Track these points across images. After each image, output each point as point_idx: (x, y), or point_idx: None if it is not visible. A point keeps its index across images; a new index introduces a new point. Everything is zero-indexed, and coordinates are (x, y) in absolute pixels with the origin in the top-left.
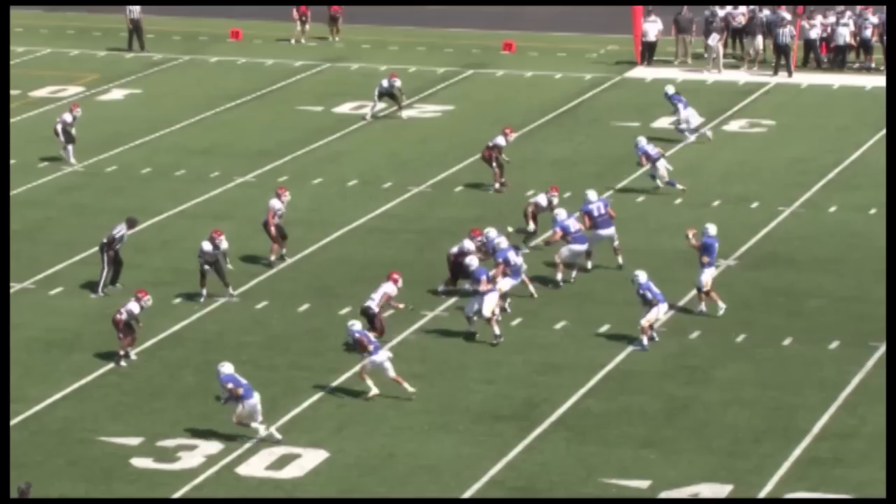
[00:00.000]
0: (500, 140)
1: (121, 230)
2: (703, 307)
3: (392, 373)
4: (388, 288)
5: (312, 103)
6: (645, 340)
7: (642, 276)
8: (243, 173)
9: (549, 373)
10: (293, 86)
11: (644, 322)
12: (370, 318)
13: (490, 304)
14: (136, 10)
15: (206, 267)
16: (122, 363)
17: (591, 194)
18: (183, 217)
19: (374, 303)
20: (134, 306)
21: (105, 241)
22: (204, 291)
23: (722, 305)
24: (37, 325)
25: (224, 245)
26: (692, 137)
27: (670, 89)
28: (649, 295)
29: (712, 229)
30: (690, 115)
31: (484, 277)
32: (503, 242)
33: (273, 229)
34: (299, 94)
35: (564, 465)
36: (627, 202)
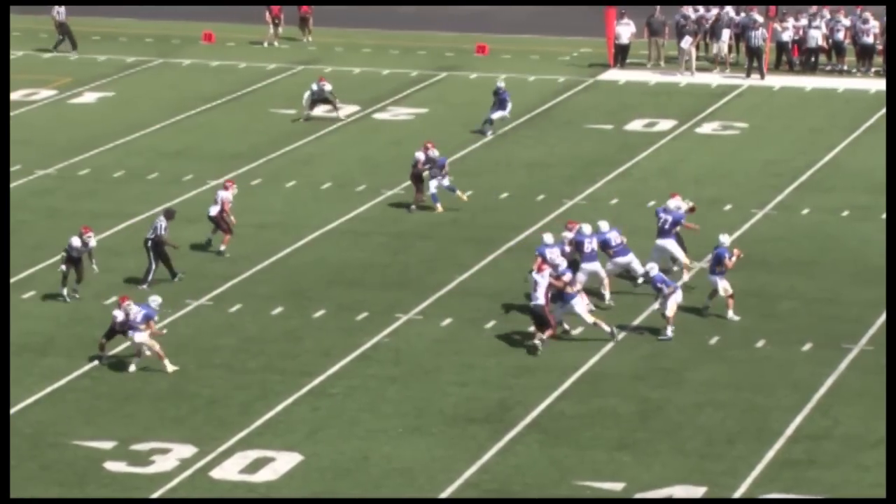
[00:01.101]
0: (419, 154)
1: (162, 224)
2: (732, 313)
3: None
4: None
5: (286, 106)
6: (669, 331)
7: (654, 269)
8: (216, 176)
9: (523, 375)
10: (266, 88)
11: (669, 313)
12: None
13: (582, 309)
14: (62, 12)
15: (64, 267)
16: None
17: (604, 224)
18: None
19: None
20: (118, 314)
21: (149, 237)
22: (65, 291)
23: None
24: (9, 329)
25: (92, 243)
26: (490, 135)
27: (501, 84)
28: (665, 288)
29: (725, 240)
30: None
31: (567, 276)
32: (549, 238)
33: (229, 220)
34: (272, 96)
35: (538, 467)
36: (600, 205)
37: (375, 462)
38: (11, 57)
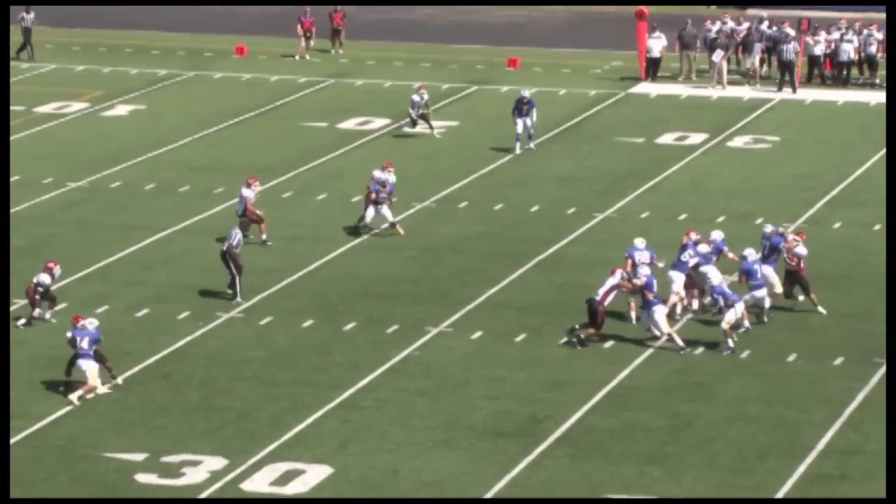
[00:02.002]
0: (378, 174)
1: (237, 235)
2: (768, 317)
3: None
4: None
5: (316, 119)
6: (731, 343)
7: (715, 278)
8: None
9: (553, 389)
10: (297, 102)
11: (725, 325)
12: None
13: (661, 317)
14: (28, 19)
15: (38, 296)
16: (119, 381)
17: (640, 242)
18: (186, 233)
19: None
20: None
21: (224, 249)
22: (37, 313)
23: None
24: (40, 342)
25: (58, 274)
26: (530, 145)
27: (526, 93)
28: (722, 299)
29: (751, 255)
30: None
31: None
32: (640, 242)
33: (257, 213)
34: (303, 110)
35: (568, 481)
36: (631, 218)
37: (405, 475)
38: (43, 70)
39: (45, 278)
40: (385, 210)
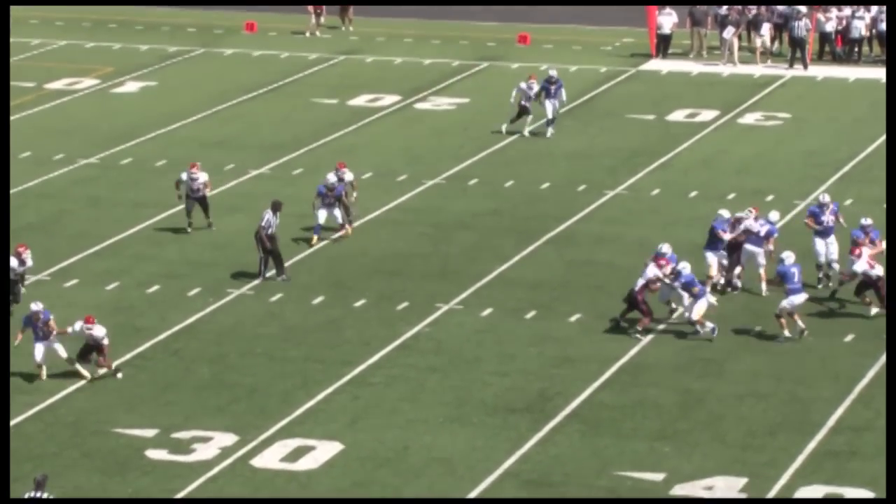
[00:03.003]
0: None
1: (266, 217)
2: (785, 332)
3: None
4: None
5: (327, 96)
6: (709, 324)
7: (687, 267)
8: (258, 166)
9: (563, 365)
10: (308, 78)
11: (696, 316)
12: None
13: (702, 309)
14: None
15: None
16: (119, 375)
17: (774, 215)
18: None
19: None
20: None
21: (257, 230)
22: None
23: (802, 326)
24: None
25: (29, 262)
26: (549, 132)
27: (554, 72)
28: (697, 288)
29: (788, 258)
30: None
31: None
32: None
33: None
34: (314, 86)
35: (578, 457)
36: (642, 195)
37: (415, 451)
38: (53, 46)
39: (13, 262)
40: (336, 211)
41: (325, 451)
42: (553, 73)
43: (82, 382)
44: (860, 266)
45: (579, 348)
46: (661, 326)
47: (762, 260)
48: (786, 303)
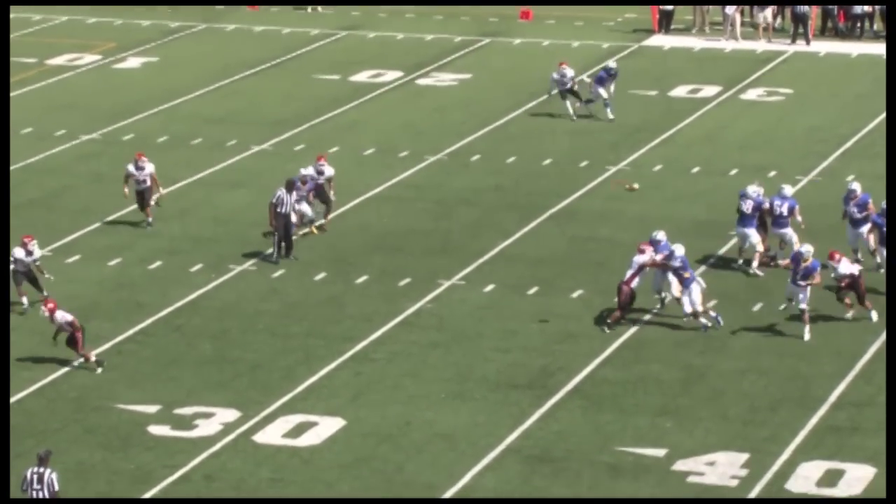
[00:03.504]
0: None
1: (279, 194)
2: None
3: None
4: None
5: (329, 72)
6: (713, 314)
7: (681, 248)
8: (260, 142)
9: (565, 341)
10: (310, 54)
11: (699, 307)
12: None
13: (698, 298)
14: None
15: (21, 275)
16: (99, 371)
17: (788, 189)
18: (200, 185)
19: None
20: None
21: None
22: (24, 300)
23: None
24: (54, 293)
25: (37, 253)
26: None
27: (614, 64)
28: (688, 273)
29: (808, 251)
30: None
31: (684, 264)
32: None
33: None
34: (316, 62)
35: (580, 433)
36: (644, 171)
37: (417, 427)
38: (54, 22)
39: (19, 252)
40: (304, 206)
41: (327, 426)
42: (613, 64)
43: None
44: (846, 268)
45: (581, 324)
46: (647, 317)
47: (790, 238)
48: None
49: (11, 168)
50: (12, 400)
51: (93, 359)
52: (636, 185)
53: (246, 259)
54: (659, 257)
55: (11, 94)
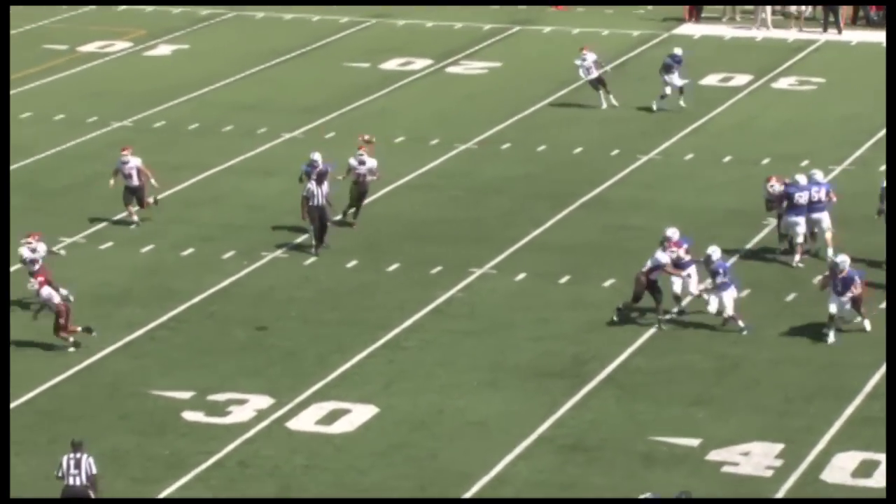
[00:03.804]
0: (351, 161)
1: (309, 187)
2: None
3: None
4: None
5: (359, 59)
6: (741, 324)
7: (717, 252)
8: (291, 129)
9: (598, 330)
10: (339, 42)
11: (731, 312)
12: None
13: (730, 303)
14: None
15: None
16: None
17: (819, 174)
18: (231, 173)
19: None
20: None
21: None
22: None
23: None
24: (87, 280)
25: (41, 251)
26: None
27: (679, 51)
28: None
29: (844, 262)
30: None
31: (721, 270)
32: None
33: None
34: (346, 50)
35: (614, 422)
36: (675, 160)
37: (450, 415)
38: (85, 9)
39: (25, 252)
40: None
41: (360, 414)
42: (678, 51)
43: (119, 344)
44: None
45: (613, 313)
46: (667, 317)
47: (828, 224)
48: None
49: (44, 154)
50: (47, 385)
51: (79, 329)
52: (373, 139)
53: (278, 246)
54: (682, 251)
55: (43, 81)
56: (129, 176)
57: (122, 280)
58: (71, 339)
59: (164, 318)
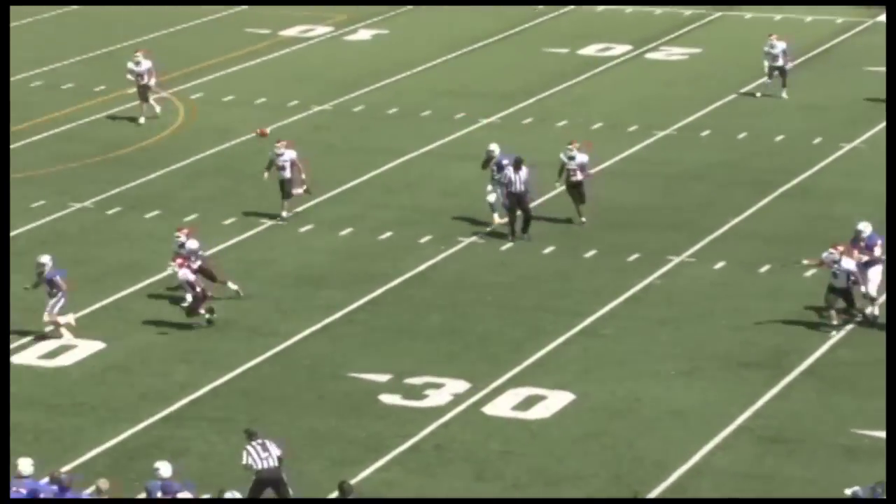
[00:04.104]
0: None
1: (507, 173)
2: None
3: None
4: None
5: (557, 45)
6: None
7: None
8: (488, 114)
9: (799, 321)
10: (538, 27)
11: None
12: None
13: (875, 281)
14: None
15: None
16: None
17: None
18: (429, 157)
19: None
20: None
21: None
22: (233, 285)
23: None
24: (287, 261)
25: (191, 244)
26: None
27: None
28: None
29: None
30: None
31: (880, 242)
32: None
33: None
34: (544, 35)
35: (815, 414)
36: (880, 150)
37: (648, 404)
38: None
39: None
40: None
41: (556, 400)
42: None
43: (317, 326)
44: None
45: (817, 303)
46: (882, 300)
47: None
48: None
49: (246, 138)
50: (248, 365)
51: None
52: (267, 131)
53: (474, 232)
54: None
55: (246, 65)
56: (282, 168)
57: (321, 262)
58: (206, 315)
59: (362, 301)
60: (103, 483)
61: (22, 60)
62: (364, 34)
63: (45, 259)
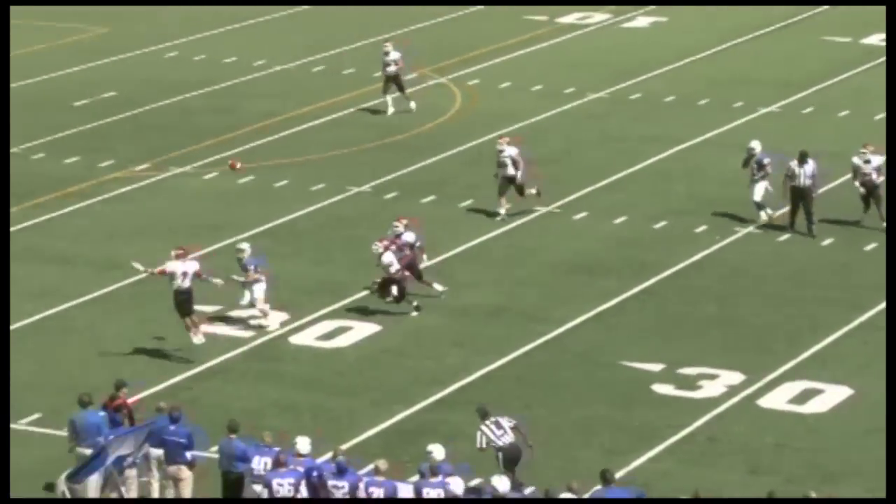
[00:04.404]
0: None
1: (790, 165)
2: None
3: None
4: None
5: (840, 34)
6: None
7: None
8: (767, 103)
9: None
10: (820, 16)
11: None
12: None
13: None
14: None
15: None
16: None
17: None
18: (707, 146)
19: None
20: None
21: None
22: (438, 287)
23: None
24: (561, 249)
25: (409, 236)
26: None
27: None
28: None
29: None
30: None
31: None
32: None
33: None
34: (826, 24)
35: None
36: None
37: None
38: None
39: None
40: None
41: (833, 395)
42: None
43: (591, 314)
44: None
45: None
46: None
47: None
48: None
49: (526, 122)
50: (520, 352)
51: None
52: (238, 165)
53: (752, 222)
54: None
55: (523, 52)
56: (503, 165)
57: (594, 250)
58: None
59: (636, 289)
60: (382, 463)
61: (301, 47)
62: (642, 21)
63: (245, 246)
